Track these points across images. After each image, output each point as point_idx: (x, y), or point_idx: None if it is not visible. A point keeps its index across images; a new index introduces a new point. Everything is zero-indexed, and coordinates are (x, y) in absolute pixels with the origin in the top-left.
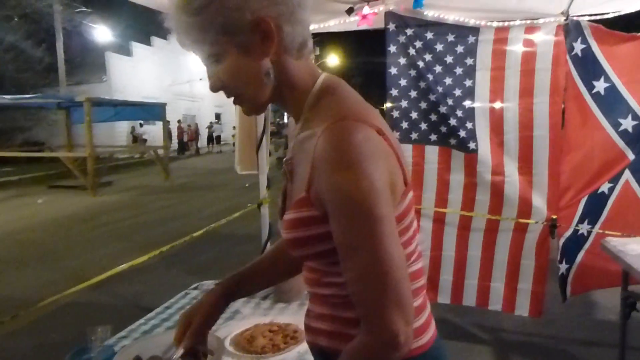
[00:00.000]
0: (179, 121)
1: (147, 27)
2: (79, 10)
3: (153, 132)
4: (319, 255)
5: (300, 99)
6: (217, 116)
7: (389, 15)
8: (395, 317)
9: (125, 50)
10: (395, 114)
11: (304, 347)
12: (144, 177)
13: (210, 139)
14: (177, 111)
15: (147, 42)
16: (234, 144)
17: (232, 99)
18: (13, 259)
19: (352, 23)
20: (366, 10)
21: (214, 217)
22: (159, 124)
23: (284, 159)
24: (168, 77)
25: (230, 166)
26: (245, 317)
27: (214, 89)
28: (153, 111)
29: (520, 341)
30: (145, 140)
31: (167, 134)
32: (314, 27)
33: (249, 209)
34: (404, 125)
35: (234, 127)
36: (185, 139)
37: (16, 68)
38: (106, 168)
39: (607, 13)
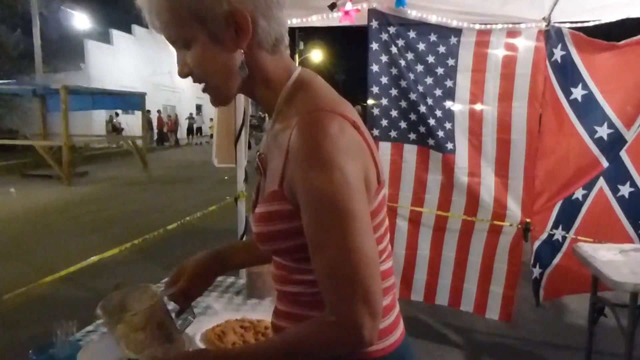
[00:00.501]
0: (158, 111)
1: (128, 15)
2: None
3: (131, 122)
4: (287, 250)
5: (274, 94)
6: (198, 107)
7: (372, 13)
8: (362, 311)
9: (105, 38)
10: (376, 111)
11: None
12: (121, 168)
13: (190, 130)
14: (156, 102)
15: (128, 30)
16: (211, 136)
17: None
18: None
19: (334, 19)
20: (348, 6)
21: (191, 210)
22: (138, 114)
23: (257, 153)
24: (148, 67)
25: (210, 159)
26: (216, 312)
27: (182, 74)
28: (132, 101)
29: (490, 342)
30: (121, 130)
31: (147, 124)
32: (296, 22)
33: (225, 203)
34: (384, 123)
35: (211, 119)
36: (165, 129)
37: None
38: (82, 158)
39: (588, 21)
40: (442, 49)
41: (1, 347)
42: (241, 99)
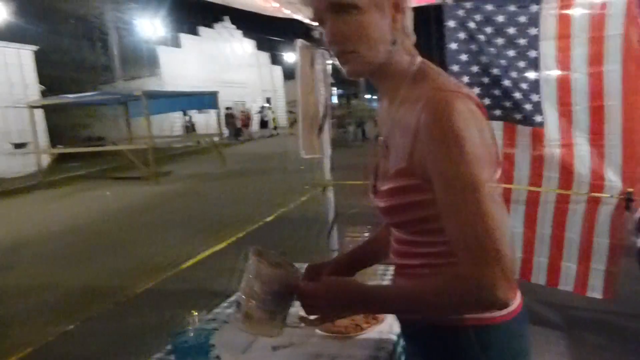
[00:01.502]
0: (227, 108)
1: (193, 17)
2: (129, 7)
3: (205, 120)
4: (412, 222)
5: (400, 77)
6: (268, 100)
7: None
8: (497, 272)
9: (174, 43)
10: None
11: (384, 326)
12: (201, 165)
13: (262, 123)
14: (227, 98)
15: (194, 32)
16: (291, 125)
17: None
18: (88, 249)
19: None
20: None
21: (272, 201)
22: (211, 113)
23: (379, 138)
24: (216, 65)
25: (284, 150)
26: None
27: (334, 42)
28: (206, 100)
29: (592, 319)
30: (193, 128)
31: (230, 121)
32: None
33: (314, 193)
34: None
35: (289, 111)
36: (238, 125)
37: (75, 68)
38: (165, 158)
39: None
40: (522, 18)
41: (119, 335)
42: (321, 91)
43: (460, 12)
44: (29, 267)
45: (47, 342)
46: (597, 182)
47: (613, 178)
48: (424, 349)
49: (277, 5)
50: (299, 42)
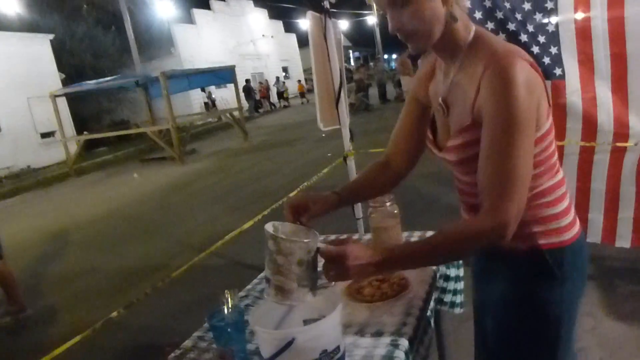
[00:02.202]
0: (246, 80)
1: None
2: None
3: (225, 95)
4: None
5: (459, 45)
6: (285, 69)
7: None
8: (511, 208)
9: (187, 19)
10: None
11: (412, 293)
12: (224, 141)
13: (279, 94)
14: (245, 71)
15: (207, 6)
16: (306, 92)
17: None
18: (125, 233)
19: None
20: None
21: (297, 171)
22: (230, 87)
23: (440, 99)
24: (231, 38)
25: (303, 120)
26: None
27: (396, 29)
28: (223, 75)
29: (621, 268)
30: (213, 104)
31: (248, 94)
32: None
33: (336, 163)
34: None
35: (298, 81)
36: (258, 97)
37: (92, 54)
38: (188, 137)
39: None
40: None
41: (173, 308)
42: (336, 62)
43: None
44: (71, 253)
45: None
46: (621, 131)
47: (637, 125)
48: (500, 273)
49: None
50: (309, 13)
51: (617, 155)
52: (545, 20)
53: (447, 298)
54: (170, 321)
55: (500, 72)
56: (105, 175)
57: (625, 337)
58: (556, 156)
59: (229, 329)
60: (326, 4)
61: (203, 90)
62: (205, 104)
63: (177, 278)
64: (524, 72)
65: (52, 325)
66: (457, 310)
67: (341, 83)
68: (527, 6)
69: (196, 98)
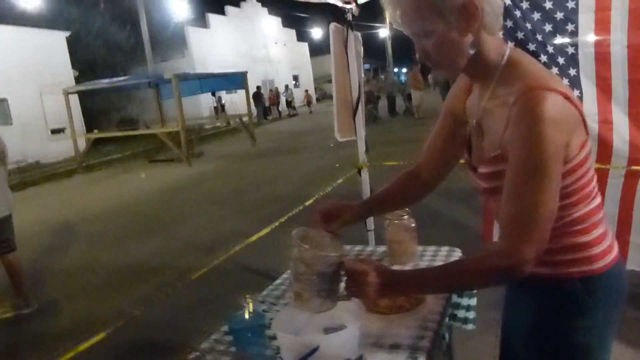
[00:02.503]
0: (257, 87)
1: None
2: None
3: (235, 100)
4: None
5: (488, 70)
6: (295, 77)
7: None
8: (529, 250)
9: (201, 23)
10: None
11: (428, 306)
12: (232, 145)
13: (287, 102)
14: (256, 77)
15: (222, 11)
16: (317, 101)
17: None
18: (131, 230)
19: None
20: None
21: (305, 179)
22: (240, 92)
23: (474, 122)
24: (244, 44)
25: (311, 128)
26: None
27: (422, 58)
28: (235, 80)
29: (630, 293)
30: (222, 108)
31: (258, 100)
32: None
33: (350, 174)
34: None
35: (316, 88)
36: (267, 103)
37: (106, 50)
38: (197, 139)
39: None
40: None
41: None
42: (354, 71)
43: None
44: (79, 248)
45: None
46: (636, 155)
47: None
48: (531, 300)
49: None
50: (332, 25)
51: (631, 179)
52: (566, 42)
53: (461, 314)
54: (182, 319)
55: (528, 108)
56: (112, 172)
57: None
58: (594, 183)
59: (248, 333)
60: (349, 16)
61: (213, 94)
62: (215, 108)
63: (190, 279)
64: (555, 108)
65: (57, 319)
66: (470, 327)
67: (359, 95)
68: (548, 27)
69: (206, 101)
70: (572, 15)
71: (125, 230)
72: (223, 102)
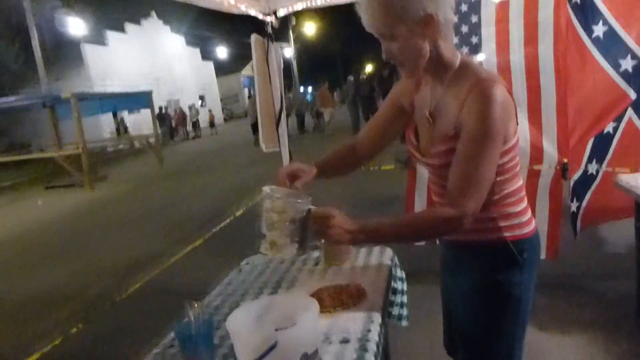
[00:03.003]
0: (160, 108)
1: (119, 14)
2: (50, 3)
3: (139, 120)
4: None
5: (445, 70)
6: (201, 97)
7: None
8: (470, 204)
9: (100, 40)
10: None
11: (369, 302)
12: (138, 167)
13: (197, 122)
14: (160, 97)
15: (121, 29)
16: (211, 124)
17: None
18: (30, 261)
19: None
20: None
21: (219, 197)
22: (144, 112)
23: (427, 112)
24: (146, 62)
25: (220, 147)
26: (303, 283)
27: (387, 57)
28: (139, 100)
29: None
30: (125, 129)
31: (164, 120)
32: (320, 2)
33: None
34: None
35: (224, 108)
36: (173, 124)
37: None
38: (99, 162)
39: None
40: (464, 7)
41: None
42: (277, 85)
43: None
44: None
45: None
46: (536, 154)
47: (550, 150)
48: (473, 261)
49: (233, 1)
50: (253, 36)
51: (533, 176)
52: (471, 54)
53: (395, 311)
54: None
55: (482, 93)
56: (4, 202)
57: (545, 346)
58: (518, 166)
59: (195, 339)
60: (269, 29)
61: (114, 114)
62: (118, 129)
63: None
64: (502, 95)
65: None
66: (404, 323)
67: (282, 106)
68: (455, 40)
69: (106, 122)
70: (475, 29)
71: (24, 261)
72: (126, 123)
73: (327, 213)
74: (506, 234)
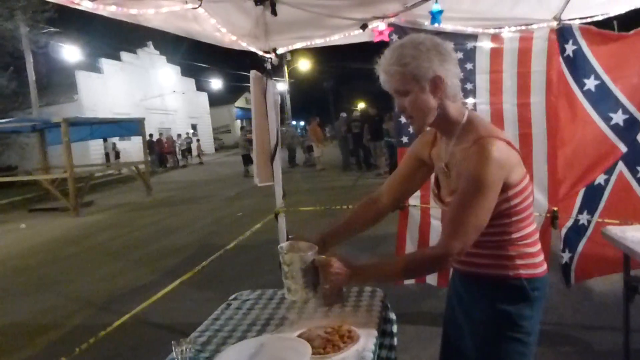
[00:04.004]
0: (150, 135)
1: (115, 42)
2: (45, 30)
3: (128, 147)
4: None
5: (453, 126)
6: (193, 127)
7: (392, 27)
8: (456, 246)
9: (94, 68)
10: (403, 119)
11: (361, 345)
12: (125, 194)
13: (188, 150)
14: (151, 125)
15: (117, 57)
16: (197, 154)
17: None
18: (8, 287)
19: (356, 37)
20: (381, 26)
21: (207, 229)
22: (134, 140)
23: (443, 164)
24: (139, 91)
25: (209, 178)
26: (293, 322)
27: (400, 111)
28: (130, 127)
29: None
30: (117, 156)
31: (151, 148)
32: (319, 42)
33: (268, 219)
34: (411, 129)
35: (215, 138)
36: (164, 152)
37: None
38: (86, 188)
39: (597, 15)
40: (459, 54)
41: None
42: (272, 118)
43: None
44: None
45: None
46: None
47: (540, 198)
48: (488, 294)
49: (235, 38)
50: (252, 72)
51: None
52: (465, 100)
53: (383, 354)
54: None
55: (480, 149)
56: None
57: None
58: (531, 209)
59: None
60: (268, 65)
61: (105, 140)
62: (106, 154)
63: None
64: (498, 151)
65: None
66: None
67: (277, 141)
68: (458, 83)
69: (95, 148)
70: (470, 76)
71: (5, 287)
72: (117, 149)
73: (326, 262)
74: (522, 272)
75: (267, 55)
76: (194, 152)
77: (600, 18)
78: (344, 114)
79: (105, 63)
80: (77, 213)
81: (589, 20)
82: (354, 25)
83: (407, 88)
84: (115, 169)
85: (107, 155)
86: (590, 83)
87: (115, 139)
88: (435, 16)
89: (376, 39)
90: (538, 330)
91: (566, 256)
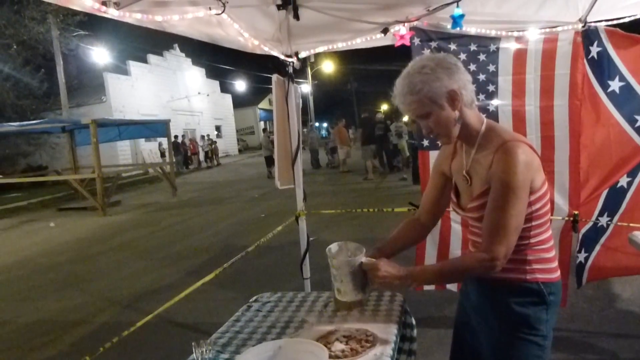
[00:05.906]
0: (175, 136)
1: (143, 45)
2: (75, 34)
3: (153, 148)
4: None
5: (473, 133)
6: (218, 128)
7: (414, 31)
8: (501, 249)
9: (122, 70)
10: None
11: (379, 349)
12: (151, 195)
13: (210, 153)
14: (177, 126)
15: (144, 60)
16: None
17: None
18: (40, 284)
19: (377, 40)
20: (403, 30)
21: (231, 229)
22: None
23: (464, 172)
24: (166, 93)
25: (234, 179)
26: (312, 325)
27: (427, 133)
28: (157, 128)
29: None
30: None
31: (178, 150)
32: (341, 45)
33: (289, 222)
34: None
35: (239, 139)
36: (188, 153)
37: (16, 95)
38: (113, 187)
39: (624, 17)
40: (482, 56)
41: None
42: (294, 122)
43: (426, 52)
44: None
45: None
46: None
47: (560, 202)
48: (506, 298)
49: (257, 42)
50: (275, 76)
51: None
52: (488, 101)
53: (402, 358)
54: None
55: (507, 152)
56: (17, 221)
57: None
58: (549, 215)
59: None
60: (290, 69)
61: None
62: (135, 155)
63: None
64: (524, 154)
65: None
66: None
67: (299, 144)
68: (472, 87)
69: (123, 149)
70: (493, 77)
71: (34, 284)
72: (142, 150)
73: (374, 265)
74: (538, 276)
75: (289, 59)
76: (219, 154)
77: (627, 20)
78: (366, 115)
79: (133, 65)
80: (104, 212)
81: (615, 22)
82: (376, 29)
83: (427, 110)
84: (142, 169)
85: (135, 155)
86: (615, 84)
87: (142, 140)
88: (456, 20)
89: (397, 44)
90: (552, 336)
91: (581, 256)
